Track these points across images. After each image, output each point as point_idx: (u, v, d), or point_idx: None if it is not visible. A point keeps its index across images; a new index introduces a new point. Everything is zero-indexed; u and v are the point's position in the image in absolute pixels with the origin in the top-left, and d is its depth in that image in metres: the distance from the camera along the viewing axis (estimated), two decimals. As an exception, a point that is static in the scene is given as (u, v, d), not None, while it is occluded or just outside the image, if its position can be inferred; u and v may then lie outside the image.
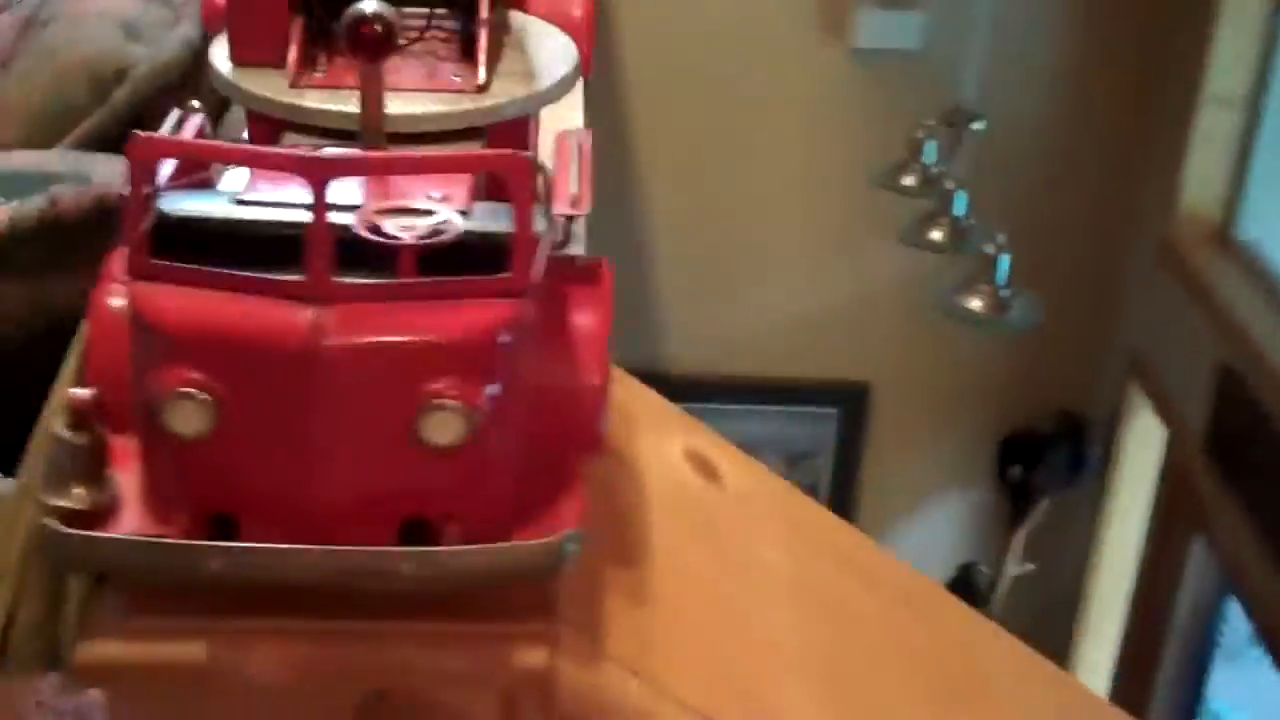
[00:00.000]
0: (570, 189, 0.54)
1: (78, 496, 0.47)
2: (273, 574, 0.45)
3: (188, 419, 0.45)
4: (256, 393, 0.44)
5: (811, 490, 2.29)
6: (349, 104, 0.54)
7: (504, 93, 0.59)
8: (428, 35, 0.60)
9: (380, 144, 0.52)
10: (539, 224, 0.51)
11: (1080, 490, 2.25)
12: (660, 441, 0.62)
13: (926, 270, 1.94)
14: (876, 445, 2.28)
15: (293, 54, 0.56)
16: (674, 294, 2.20)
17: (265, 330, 0.44)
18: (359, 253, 0.47)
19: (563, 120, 0.77)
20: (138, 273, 0.46)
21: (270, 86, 0.56)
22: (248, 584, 0.46)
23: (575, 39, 0.80)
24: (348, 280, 0.44)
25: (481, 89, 0.59)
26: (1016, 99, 2.03)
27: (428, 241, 0.47)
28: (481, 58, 0.59)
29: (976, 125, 1.92)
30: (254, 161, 0.48)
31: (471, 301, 0.45)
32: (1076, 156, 2.10)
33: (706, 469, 0.62)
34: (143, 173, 0.46)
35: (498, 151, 0.48)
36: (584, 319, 0.53)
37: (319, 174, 0.44)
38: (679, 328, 2.22)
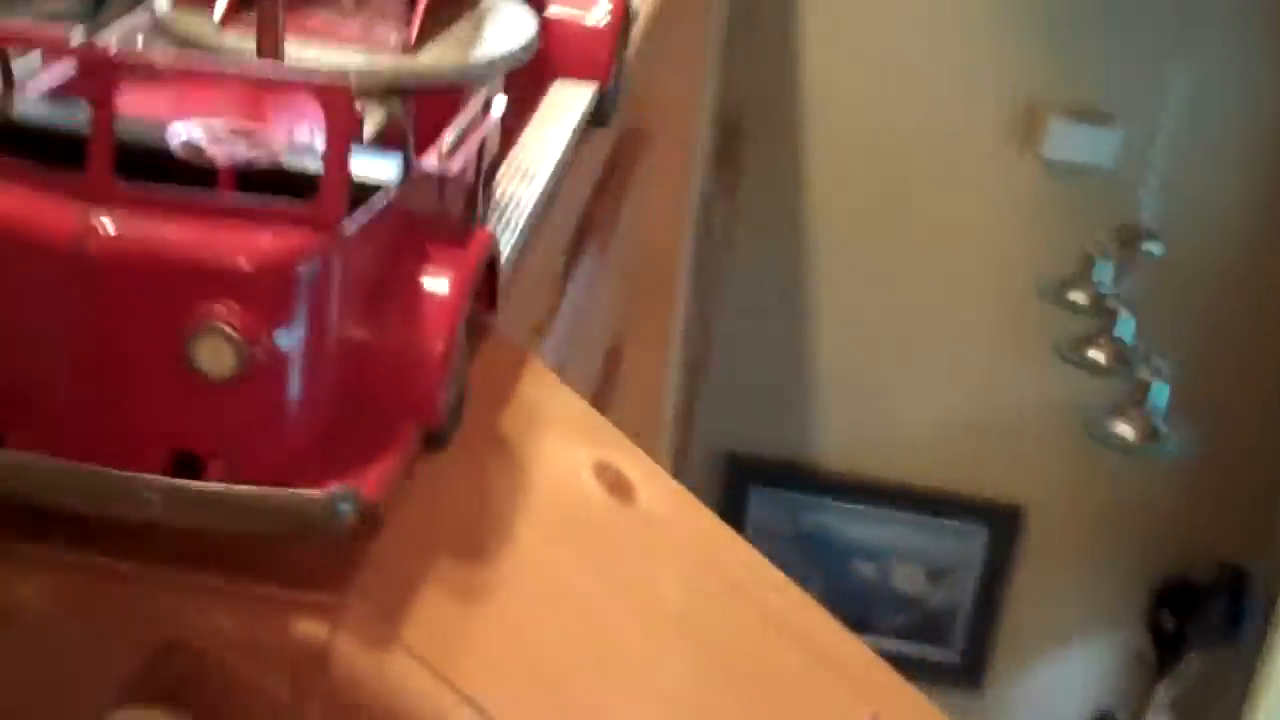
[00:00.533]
0: (445, 147, 0.52)
1: None
2: (8, 486, 0.43)
3: None
4: (22, 291, 0.43)
5: (950, 609, 2.21)
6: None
7: (433, 58, 0.58)
8: (376, -2, 0.60)
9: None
10: (389, 170, 0.49)
11: (1236, 649, 2.10)
12: (568, 449, 0.59)
13: (1087, 392, 1.85)
14: (1023, 571, 2.17)
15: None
16: (827, 386, 2.15)
17: (31, 223, 0.43)
18: (189, 173, 0.45)
19: (557, 121, 0.75)
20: None
21: (198, 25, 0.56)
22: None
23: (596, 43, 0.79)
24: (131, 184, 0.43)
25: (409, 50, 0.58)
26: (1198, 224, 1.93)
27: (236, 164, 0.45)
28: (416, 20, 0.58)
29: (1152, 247, 1.84)
30: (50, 47, 0.47)
31: (271, 227, 0.43)
32: (1257, 289, 1.99)
33: (618, 486, 0.59)
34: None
35: (314, 77, 0.46)
36: (436, 280, 0.50)
37: (105, 72, 0.43)
38: (828, 421, 2.16)
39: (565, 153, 0.71)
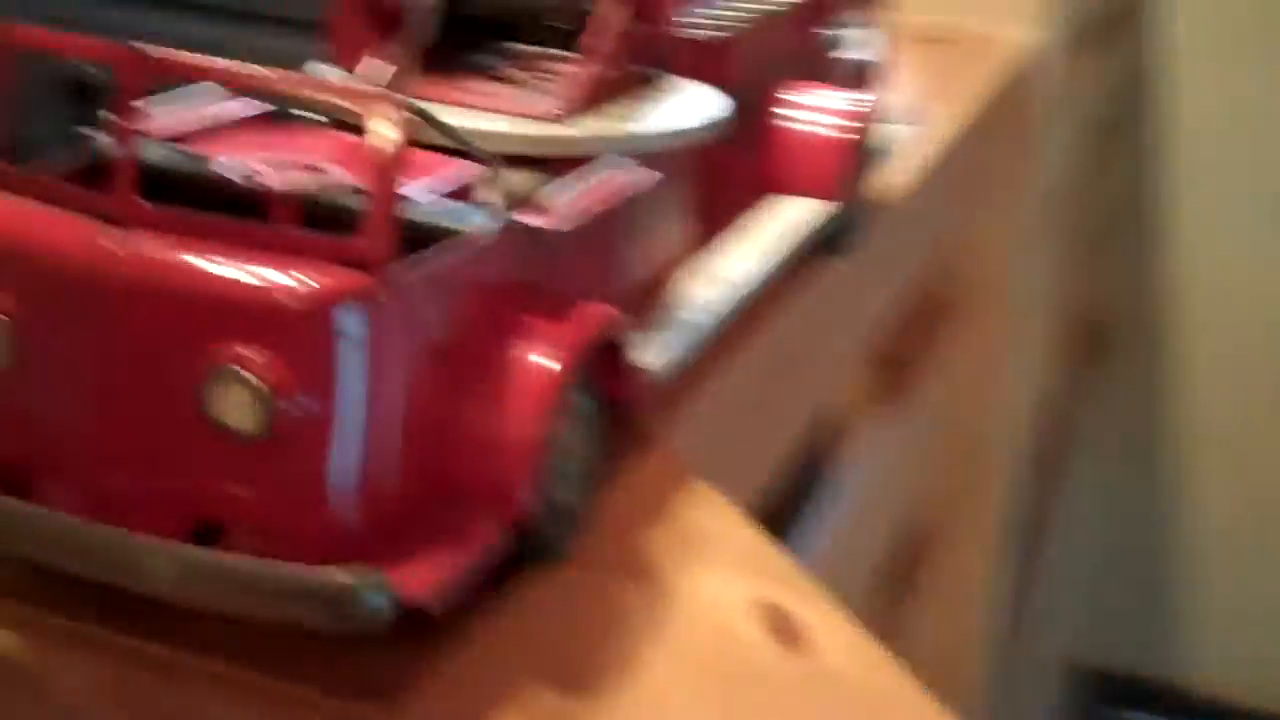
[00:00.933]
0: (560, 203, 0.47)
1: None
2: (8, 544, 0.39)
3: None
4: (48, 318, 0.40)
5: None
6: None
7: (581, 128, 0.54)
8: (542, 70, 0.58)
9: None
10: (479, 219, 0.44)
11: None
12: (725, 581, 0.51)
13: None
14: None
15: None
16: (1217, 604, 1.96)
17: (55, 243, 0.40)
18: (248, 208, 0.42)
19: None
20: None
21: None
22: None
23: (828, 157, 0.74)
24: (159, 207, 0.39)
25: (557, 118, 0.54)
26: None
27: (293, 193, 0.41)
28: (570, 91, 0.54)
29: None
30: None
31: (312, 261, 0.39)
32: None
33: (784, 629, 0.50)
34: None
35: (353, 88, 0.42)
36: (533, 352, 0.45)
37: (132, 66, 0.40)
38: (1213, 642, 1.97)
39: (773, 269, 0.65)
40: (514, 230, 0.45)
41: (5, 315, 0.41)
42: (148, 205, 0.40)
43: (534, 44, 0.61)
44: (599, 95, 0.55)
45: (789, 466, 0.81)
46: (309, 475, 0.39)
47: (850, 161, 0.72)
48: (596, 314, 0.47)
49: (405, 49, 0.55)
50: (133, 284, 0.39)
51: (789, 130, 0.71)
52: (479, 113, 0.53)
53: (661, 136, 0.55)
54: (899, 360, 1.09)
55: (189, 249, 0.39)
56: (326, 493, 0.40)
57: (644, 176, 0.53)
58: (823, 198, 0.71)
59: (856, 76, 0.83)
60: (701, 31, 0.65)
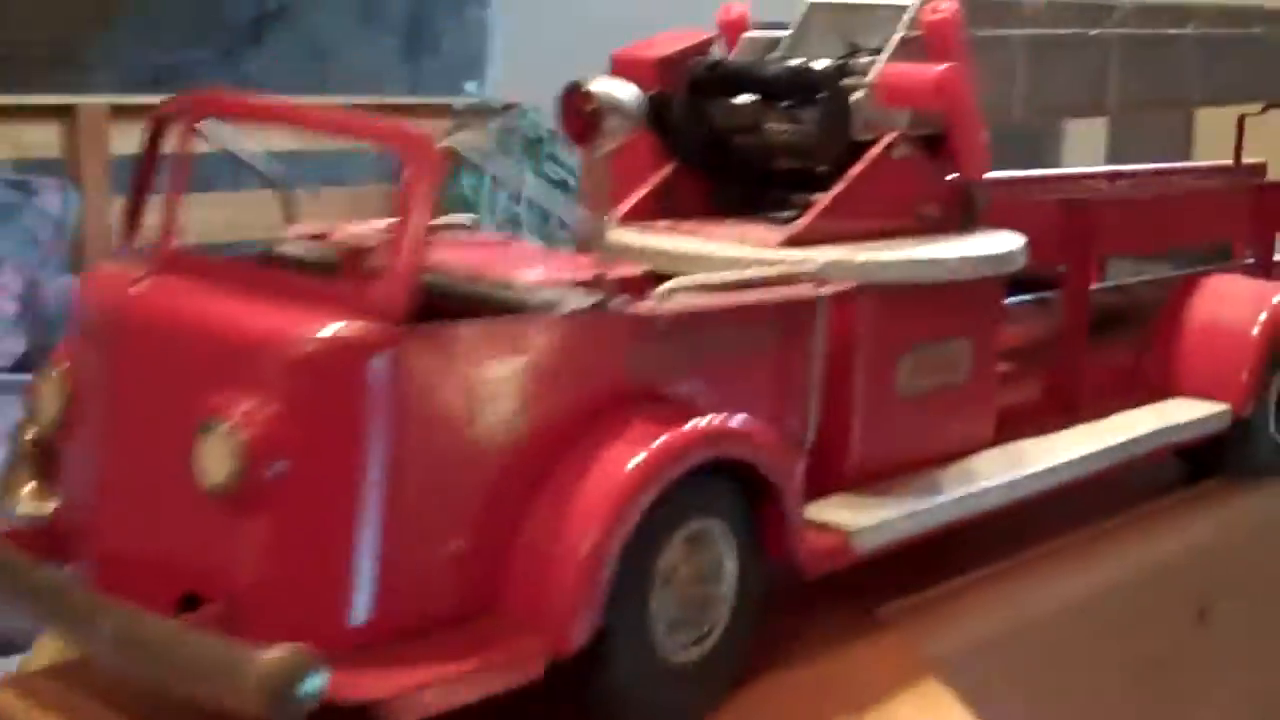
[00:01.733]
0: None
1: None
2: (6, 590, 0.41)
3: (45, 400, 0.43)
4: (87, 373, 0.42)
5: None
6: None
7: (804, 256, 0.60)
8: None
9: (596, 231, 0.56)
10: (552, 295, 0.45)
11: None
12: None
13: None
14: None
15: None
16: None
17: (97, 293, 0.42)
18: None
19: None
20: None
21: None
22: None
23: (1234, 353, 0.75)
24: (196, 255, 0.42)
25: (786, 243, 0.61)
26: None
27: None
28: (804, 217, 0.64)
29: None
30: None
31: (321, 309, 0.38)
32: None
33: None
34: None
35: (401, 129, 0.43)
36: (602, 458, 0.43)
37: (174, 106, 0.43)
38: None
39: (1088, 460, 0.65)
40: (604, 316, 0.44)
41: (62, 369, 0.42)
42: (181, 251, 0.41)
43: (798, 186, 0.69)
44: (843, 233, 0.61)
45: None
46: (296, 545, 0.37)
47: (1262, 364, 0.71)
48: (681, 410, 0.45)
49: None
50: (140, 322, 0.40)
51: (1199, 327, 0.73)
52: (702, 240, 0.60)
53: (872, 268, 0.59)
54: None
55: (198, 295, 0.40)
56: (314, 565, 0.38)
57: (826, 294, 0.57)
58: (1223, 400, 0.71)
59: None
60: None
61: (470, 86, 2.99)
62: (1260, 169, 1.24)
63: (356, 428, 0.36)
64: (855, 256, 0.60)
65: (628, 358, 0.47)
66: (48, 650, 0.55)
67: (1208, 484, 0.92)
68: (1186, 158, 1.61)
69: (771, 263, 0.57)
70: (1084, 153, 2.22)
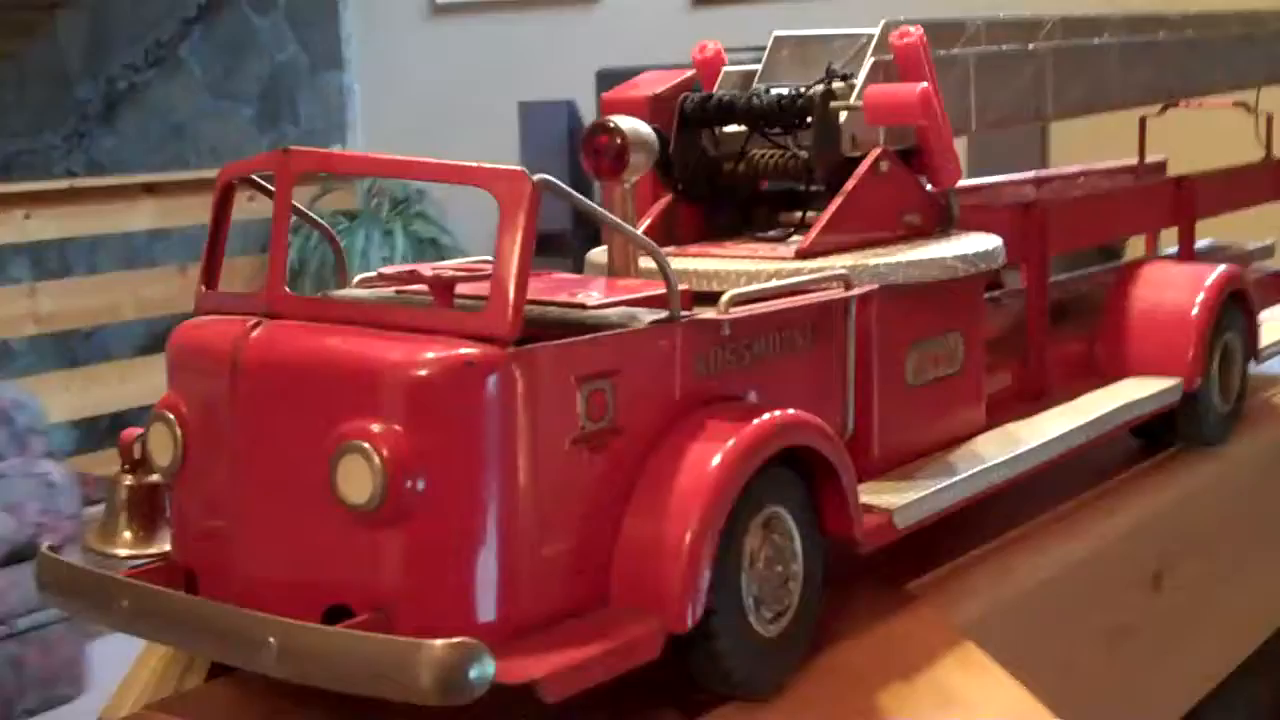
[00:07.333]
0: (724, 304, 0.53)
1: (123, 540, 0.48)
2: (154, 625, 0.43)
3: (158, 449, 0.45)
4: (206, 417, 0.44)
5: None
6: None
7: (813, 265, 0.62)
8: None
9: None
10: (624, 312, 0.50)
11: None
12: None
13: None
14: None
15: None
16: None
17: (210, 342, 0.45)
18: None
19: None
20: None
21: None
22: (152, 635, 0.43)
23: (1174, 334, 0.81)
24: (307, 297, 0.44)
25: (799, 256, 0.62)
26: None
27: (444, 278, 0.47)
28: (811, 231, 0.70)
29: None
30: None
31: (437, 340, 0.42)
32: None
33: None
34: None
35: (496, 169, 0.47)
36: (702, 453, 0.48)
37: (283, 166, 0.46)
38: None
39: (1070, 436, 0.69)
40: (679, 327, 0.49)
41: (174, 417, 0.44)
42: (292, 295, 0.44)
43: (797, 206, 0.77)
44: (844, 244, 0.67)
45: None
46: (437, 554, 0.41)
47: (1201, 341, 0.78)
48: (770, 421, 0.50)
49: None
50: (262, 367, 0.42)
51: (1137, 311, 0.79)
52: (719, 259, 0.65)
53: (887, 270, 0.61)
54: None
55: (327, 334, 0.43)
56: (456, 572, 0.41)
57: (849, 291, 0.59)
58: (1172, 375, 0.77)
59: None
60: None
61: (335, 149, 2.98)
62: (1161, 167, 1.34)
63: (479, 442, 0.40)
64: (869, 261, 0.66)
65: (695, 362, 0.52)
66: (132, 691, 0.58)
67: (1162, 455, 1.00)
68: (1044, 165, 1.71)
69: (798, 272, 0.62)
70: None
